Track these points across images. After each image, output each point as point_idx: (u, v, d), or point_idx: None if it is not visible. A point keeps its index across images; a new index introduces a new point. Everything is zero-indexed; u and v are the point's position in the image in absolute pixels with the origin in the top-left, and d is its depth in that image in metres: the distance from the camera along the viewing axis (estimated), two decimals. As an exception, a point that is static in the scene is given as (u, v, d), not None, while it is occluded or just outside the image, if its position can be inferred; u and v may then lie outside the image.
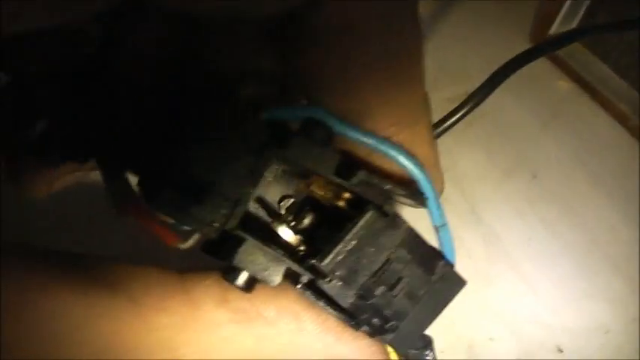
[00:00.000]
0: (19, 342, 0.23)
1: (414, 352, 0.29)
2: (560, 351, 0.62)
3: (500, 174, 0.74)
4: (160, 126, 0.27)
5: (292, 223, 0.28)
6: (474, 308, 0.63)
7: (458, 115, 0.51)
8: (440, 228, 0.29)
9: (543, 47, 0.57)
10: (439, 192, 0.29)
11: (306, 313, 0.28)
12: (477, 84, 0.46)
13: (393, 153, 0.27)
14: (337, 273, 0.27)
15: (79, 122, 0.28)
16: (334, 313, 0.28)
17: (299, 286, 0.28)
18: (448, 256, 0.29)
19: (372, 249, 0.27)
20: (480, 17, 0.84)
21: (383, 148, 0.27)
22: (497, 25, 0.84)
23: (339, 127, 0.27)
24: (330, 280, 0.27)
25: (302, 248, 0.28)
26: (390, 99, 0.27)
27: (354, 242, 0.27)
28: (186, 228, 0.28)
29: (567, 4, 0.78)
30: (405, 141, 0.28)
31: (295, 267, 0.27)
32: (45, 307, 0.24)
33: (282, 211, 0.29)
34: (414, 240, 0.28)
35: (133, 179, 0.29)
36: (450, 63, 0.79)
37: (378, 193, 0.27)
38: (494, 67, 0.45)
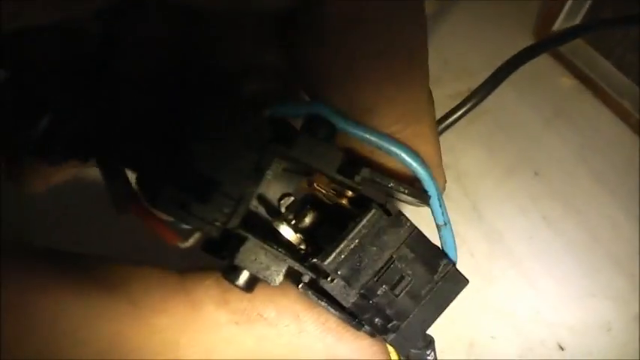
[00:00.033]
0: (18, 343, 0.23)
1: (415, 351, 0.29)
2: (562, 349, 0.62)
3: (503, 171, 0.73)
4: (161, 124, 0.27)
5: (293, 222, 0.28)
6: (475, 306, 0.63)
7: (460, 112, 0.51)
8: (442, 226, 0.29)
9: (546, 43, 0.56)
10: (441, 190, 0.29)
11: (307, 314, 0.28)
12: (480, 81, 0.46)
13: (396, 150, 0.27)
14: (339, 272, 0.26)
15: (81, 121, 0.28)
16: (336, 312, 0.28)
17: (300, 285, 0.28)
18: (450, 254, 0.29)
19: (375, 248, 0.27)
20: (483, 14, 0.84)
21: (386, 145, 0.27)
22: (500, 22, 0.83)
23: (342, 125, 0.27)
24: (332, 280, 0.26)
25: (303, 247, 0.28)
26: (394, 96, 0.27)
27: (356, 241, 0.26)
28: (187, 227, 0.27)
29: (570, 1, 0.78)
30: (408, 138, 0.27)
31: (297, 266, 0.27)
32: (45, 308, 0.24)
33: (283, 210, 0.28)
34: (417, 239, 0.28)
35: (131, 176, 0.29)
36: (452, 60, 0.78)
37: (381, 191, 0.27)
38: (497, 64, 0.45)
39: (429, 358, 0.29)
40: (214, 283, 0.28)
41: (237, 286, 0.27)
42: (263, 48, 0.30)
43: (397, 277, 0.27)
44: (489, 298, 0.64)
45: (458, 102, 0.45)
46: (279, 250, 0.27)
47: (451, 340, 0.61)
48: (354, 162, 0.27)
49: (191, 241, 0.29)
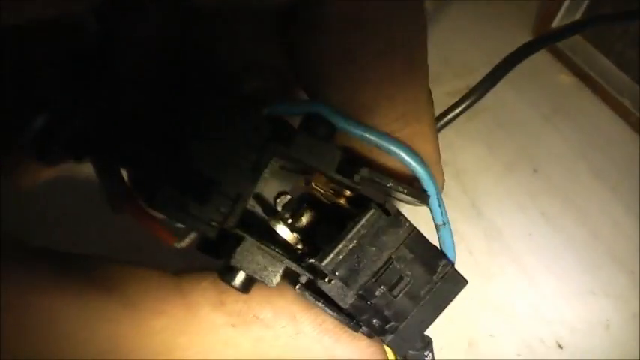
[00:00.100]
0: (17, 344, 0.23)
1: (413, 352, 0.29)
2: (560, 347, 0.62)
3: (502, 168, 0.73)
4: (159, 123, 0.27)
5: (289, 221, 0.28)
6: (474, 304, 0.63)
7: (459, 109, 0.51)
8: (441, 226, 0.29)
9: (544, 40, 0.56)
10: (440, 188, 0.29)
11: (304, 315, 0.28)
12: (479, 78, 0.46)
13: (396, 150, 0.27)
14: (337, 273, 0.26)
15: (78, 120, 0.27)
16: (333, 313, 0.27)
17: (298, 286, 0.27)
18: (449, 254, 0.28)
19: (374, 248, 0.26)
20: (483, 13, 0.84)
21: (386, 144, 0.27)
22: (499, 19, 0.83)
23: (341, 124, 0.27)
24: (330, 280, 0.26)
25: (300, 247, 0.28)
26: (394, 95, 0.27)
27: (355, 241, 0.26)
28: (183, 226, 0.27)
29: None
30: (407, 137, 0.27)
31: (294, 266, 0.27)
32: (43, 309, 0.24)
33: (279, 208, 0.28)
34: (416, 239, 0.27)
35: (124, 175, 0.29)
36: (452, 58, 0.78)
37: (380, 191, 0.27)
38: (497, 62, 0.45)
39: (426, 359, 0.29)
40: (211, 285, 0.27)
41: (233, 286, 0.26)
42: (263, 46, 0.30)
43: (396, 278, 0.27)
44: (488, 295, 0.64)
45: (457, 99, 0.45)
46: (276, 250, 0.27)
47: (450, 338, 0.61)
48: (353, 161, 0.27)
49: (187, 241, 0.28)
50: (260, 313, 0.27)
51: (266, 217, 0.28)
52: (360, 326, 0.28)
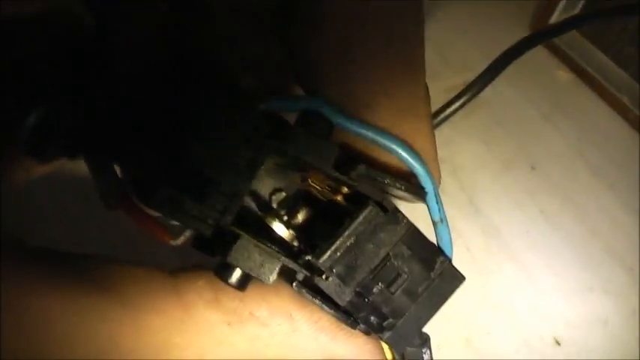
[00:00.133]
0: (14, 345, 0.23)
1: (410, 349, 0.29)
2: (558, 344, 0.62)
3: (500, 165, 0.73)
4: (155, 120, 0.26)
5: (285, 218, 0.28)
6: (472, 301, 0.63)
7: (456, 105, 0.51)
8: (439, 223, 0.28)
9: (541, 35, 0.56)
10: (437, 185, 0.29)
11: (300, 313, 0.28)
12: (477, 74, 0.46)
13: (393, 146, 0.27)
14: (335, 270, 0.26)
15: (73, 117, 0.27)
16: (330, 311, 0.27)
17: (294, 283, 0.27)
18: (446, 251, 0.28)
19: (371, 245, 0.26)
20: (481, 9, 0.83)
21: (383, 140, 0.27)
22: (497, 17, 0.83)
23: (339, 120, 0.26)
24: (327, 278, 0.26)
25: (296, 244, 0.28)
26: (391, 91, 0.27)
27: (352, 238, 0.26)
28: (178, 224, 0.27)
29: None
30: (404, 133, 0.27)
31: (291, 264, 0.26)
32: (38, 311, 0.23)
33: (274, 205, 0.28)
34: (414, 236, 0.27)
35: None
36: (450, 55, 0.78)
37: (377, 187, 0.27)
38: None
39: (424, 356, 0.29)
40: (206, 284, 0.27)
41: (229, 284, 0.26)
42: (261, 41, 0.29)
43: (393, 275, 0.27)
44: (486, 292, 0.64)
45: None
46: (273, 247, 0.26)
47: (447, 335, 0.61)
48: (350, 158, 0.27)
49: (182, 239, 0.28)
50: (256, 311, 0.27)
51: (261, 214, 0.28)
52: (358, 323, 0.27)
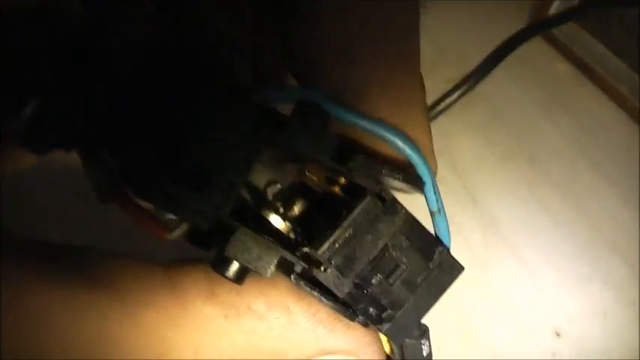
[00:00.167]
0: (9, 347, 0.23)
1: (409, 341, 0.28)
2: (558, 335, 0.62)
3: (498, 158, 0.73)
4: (150, 113, 0.26)
5: (281, 210, 0.27)
6: (471, 293, 0.63)
7: (453, 97, 0.51)
8: (436, 213, 0.28)
9: (539, 26, 0.56)
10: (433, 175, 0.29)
11: (297, 306, 0.28)
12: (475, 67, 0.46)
13: (389, 135, 0.26)
14: (333, 262, 0.26)
15: (69, 109, 0.27)
16: (329, 303, 0.27)
17: (293, 276, 0.27)
18: (445, 241, 0.28)
19: (370, 236, 0.26)
20: (479, 1, 0.83)
21: (380, 131, 0.26)
22: (495, 8, 0.82)
23: (334, 110, 0.26)
24: (326, 270, 0.26)
25: (293, 236, 0.27)
26: (386, 81, 0.26)
27: (351, 229, 0.26)
28: (173, 217, 0.27)
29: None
30: (400, 123, 0.27)
31: (289, 256, 0.26)
32: (28, 306, 0.23)
33: (270, 197, 0.28)
34: (412, 226, 0.27)
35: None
36: (447, 46, 0.78)
37: (375, 178, 0.27)
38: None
39: (423, 347, 0.29)
40: (202, 276, 0.27)
41: (227, 277, 0.26)
42: (254, 31, 0.29)
43: (392, 266, 0.27)
44: (485, 285, 0.64)
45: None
46: (271, 239, 0.26)
47: (446, 327, 0.61)
48: (347, 149, 0.27)
49: (178, 232, 0.28)
50: (253, 305, 0.27)
51: (257, 207, 0.28)
52: (357, 315, 0.27)
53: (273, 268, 0.26)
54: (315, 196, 0.28)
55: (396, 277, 0.27)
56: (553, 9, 0.79)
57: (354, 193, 0.27)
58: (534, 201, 0.70)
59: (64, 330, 0.24)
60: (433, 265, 0.27)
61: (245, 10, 0.29)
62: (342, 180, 0.27)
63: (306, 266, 0.26)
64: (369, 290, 0.26)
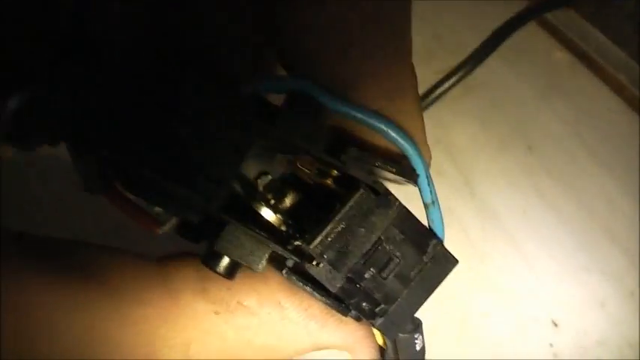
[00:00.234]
0: (9, 347, 0.22)
1: (403, 335, 0.28)
2: (556, 325, 0.62)
3: (496, 146, 0.73)
4: (138, 106, 0.26)
5: (272, 202, 0.27)
6: (468, 283, 0.62)
7: (447, 84, 0.50)
8: (430, 205, 0.28)
9: (532, 12, 0.55)
10: (427, 166, 0.28)
11: (289, 301, 0.27)
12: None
13: (382, 126, 0.26)
14: (326, 256, 0.25)
15: (56, 102, 0.26)
16: (322, 298, 0.27)
17: (284, 270, 0.27)
18: (439, 234, 0.28)
19: (363, 229, 0.26)
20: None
21: (372, 121, 0.26)
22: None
23: (326, 101, 0.26)
24: (318, 264, 0.25)
25: (284, 229, 0.27)
26: (377, 71, 0.26)
27: (343, 223, 0.25)
28: (162, 211, 0.27)
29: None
30: (392, 114, 0.26)
31: (280, 250, 0.26)
32: (28, 306, 0.23)
33: (260, 189, 0.27)
34: (406, 219, 0.27)
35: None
36: (444, 34, 0.77)
37: (368, 170, 0.26)
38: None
39: (416, 341, 0.28)
40: (193, 272, 0.27)
41: (217, 273, 0.26)
42: (240, 22, 0.29)
43: (385, 260, 0.26)
44: (482, 274, 0.64)
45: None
46: (262, 234, 0.26)
47: (443, 317, 0.60)
48: (340, 140, 0.26)
49: (168, 226, 0.28)
50: (244, 300, 0.27)
51: (248, 198, 0.27)
52: (349, 310, 0.27)
53: (264, 262, 0.26)
54: (307, 188, 0.28)
55: (389, 271, 0.26)
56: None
57: (347, 186, 0.26)
58: (532, 190, 0.70)
59: (52, 321, 0.24)
60: (427, 258, 0.27)
61: (245, 10, 0.28)
62: (334, 172, 0.27)
63: (298, 261, 0.26)
64: (362, 284, 0.26)
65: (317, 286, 0.26)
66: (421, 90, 0.54)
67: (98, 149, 0.27)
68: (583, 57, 0.79)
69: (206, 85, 0.25)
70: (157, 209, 0.27)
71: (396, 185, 0.28)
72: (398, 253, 0.26)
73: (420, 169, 0.27)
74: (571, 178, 0.70)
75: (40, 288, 0.24)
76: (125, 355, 0.25)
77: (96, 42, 0.26)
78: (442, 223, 0.28)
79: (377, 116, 0.26)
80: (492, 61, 0.69)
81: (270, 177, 0.27)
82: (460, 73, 0.44)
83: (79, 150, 0.27)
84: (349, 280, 0.26)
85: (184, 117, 0.25)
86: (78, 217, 0.56)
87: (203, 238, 0.27)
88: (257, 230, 0.26)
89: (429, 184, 0.27)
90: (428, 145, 0.29)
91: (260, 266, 0.26)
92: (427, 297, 0.27)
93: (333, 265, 0.25)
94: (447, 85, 0.43)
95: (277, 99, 0.27)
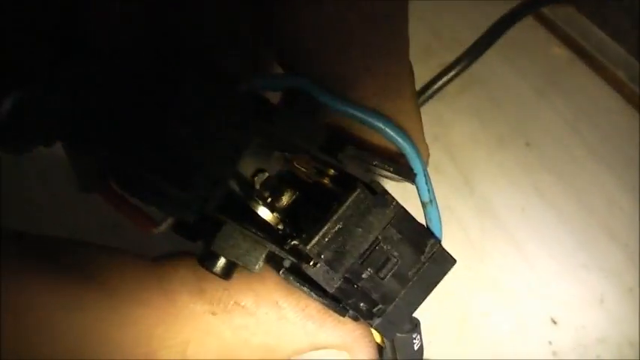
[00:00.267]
0: (9, 347, 0.22)
1: (401, 336, 0.28)
2: (555, 323, 0.62)
3: (494, 142, 0.72)
4: (134, 105, 0.26)
5: (269, 200, 0.27)
6: (466, 281, 0.62)
7: (444, 79, 0.50)
8: (428, 204, 0.28)
9: (529, 5, 0.55)
10: (425, 163, 0.28)
11: (286, 301, 0.27)
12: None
13: (380, 125, 0.26)
14: (323, 256, 0.25)
15: (50, 103, 0.26)
16: (319, 298, 0.27)
17: (282, 271, 0.27)
18: (436, 233, 0.28)
19: (360, 229, 0.26)
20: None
21: (370, 119, 0.26)
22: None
23: (325, 98, 0.26)
24: (315, 264, 0.25)
25: (281, 227, 0.27)
26: (374, 67, 0.26)
27: (341, 223, 0.25)
28: (158, 210, 0.26)
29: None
30: (390, 112, 0.26)
31: (277, 251, 0.26)
32: (18, 300, 0.23)
33: (257, 186, 0.27)
34: (403, 218, 0.26)
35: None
36: (442, 30, 0.77)
37: (365, 169, 0.26)
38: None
39: (415, 341, 0.28)
40: (190, 272, 0.27)
41: (214, 273, 0.26)
42: (237, 20, 0.29)
43: (383, 259, 0.26)
44: (480, 272, 0.64)
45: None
46: (258, 234, 0.26)
47: (442, 316, 0.60)
48: (337, 139, 0.26)
49: (164, 226, 0.28)
50: (241, 301, 0.27)
51: (244, 197, 0.27)
52: (347, 310, 0.27)
53: (261, 263, 0.26)
54: (305, 186, 0.28)
55: (387, 271, 0.26)
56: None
57: (344, 185, 0.26)
58: (531, 187, 0.70)
59: (49, 321, 0.23)
60: (425, 258, 0.27)
61: (245, 10, 0.28)
62: (332, 171, 0.27)
63: (295, 261, 0.26)
64: (360, 285, 0.26)
65: (314, 287, 0.26)
66: (418, 87, 0.54)
67: (97, 149, 0.26)
68: (582, 53, 0.79)
69: (206, 85, 0.25)
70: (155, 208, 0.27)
71: (394, 184, 0.28)
72: (395, 253, 0.26)
73: (417, 167, 0.27)
74: (570, 175, 0.70)
75: (40, 288, 0.24)
76: (125, 356, 0.25)
77: (96, 42, 0.26)
78: (440, 222, 0.28)
79: (375, 114, 0.26)
80: (490, 58, 0.68)
81: (267, 174, 0.27)
82: (456, 69, 0.44)
83: (77, 150, 0.27)
84: (347, 280, 0.26)
85: (184, 117, 0.25)
86: (77, 217, 0.56)
87: (199, 238, 0.27)
88: (254, 230, 0.26)
89: (426, 183, 0.27)
90: (426, 143, 0.29)
91: (257, 266, 0.26)
92: (425, 297, 0.27)
93: (331, 265, 0.25)
94: (444, 80, 0.43)
95: (275, 98, 0.27)
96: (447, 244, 0.28)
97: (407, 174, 0.27)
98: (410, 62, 0.27)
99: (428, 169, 0.28)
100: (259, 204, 0.26)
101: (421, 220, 0.27)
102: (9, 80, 0.26)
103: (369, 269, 0.26)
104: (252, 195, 0.27)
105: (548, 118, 0.74)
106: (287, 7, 0.25)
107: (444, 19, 0.78)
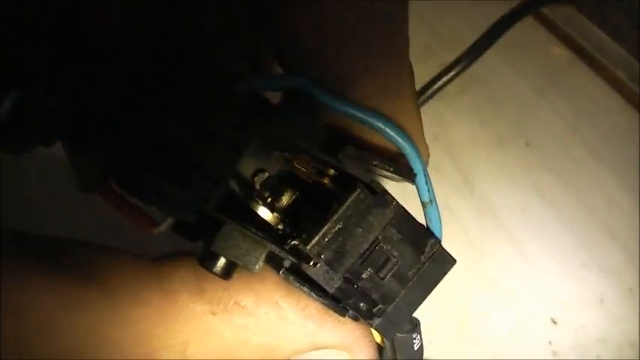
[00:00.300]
0: (8, 347, 0.22)
1: (401, 336, 0.28)
2: (555, 322, 0.62)
3: (494, 142, 0.72)
4: (134, 105, 0.26)
5: (269, 200, 0.27)
6: (466, 281, 0.62)
7: (444, 79, 0.50)
8: (428, 204, 0.28)
9: (529, 5, 0.55)
10: (425, 164, 0.28)
11: (286, 301, 0.27)
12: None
13: (379, 124, 0.26)
14: (323, 256, 0.25)
15: (50, 103, 0.26)
16: (319, 298, 0.27)
17: (282, 271, 0.27)
18: (436, 233, 0.28)
19: (360, 229, 0.26)
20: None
21: (370, 119, 0.26)
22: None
23: (324, 98, 0.26)
24: (315, 264, 0.25)
25: (281, 227, 0.27)
26: (374, 66, 0.26)
27: (341, 223, 0.25)
28: (158, 210, 0.26)
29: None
30: (390, 112, 0.26)
31: (277, 251, 0.26)
32: (18, 300, 0.23)
33: (257, 186, 0.27)
34: (403, 218, 0.26)
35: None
36: (442, 30, 0.77)
37: (365, 169, 0.26)
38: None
39: (415, 341, 0.28)
40: (190, 272, 0.27)
41: (214, 273, 0.26)
42: (237, 20, 0.29)
43: (383, 259, 0.26)
44: (480, 272, 0.64)
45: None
46: (258, 234, 0.26)
47: (442, 316, 0.60)
48: (337, 139, 0.26)
49: (164, 226, 0.28)
50: (241, 301, 0.27)
51: (244, 197, 0.27)
52: (347, 310, 0.27)
53: (261, 263, 0.26)
54: (305, 186, 0.28)
55: (387, 271, 0.26)
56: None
57: (344, 185, 0.26)
58: (531, 187, 0.70)
59: (50, 321, 0.23)
60: (425, 258, 0.27)
61: (244, 10, 0.28)
62: (332, 171, 0.27)
63: (295, 261, 0.26)
64: (360, 285, 0.26)
65: (314, 287, 0.26)
66: (418, 87, 0.54)
67: (97, 149, 0.26)
68: (582, 53, 0.79)
69: (206, 85, 0.25)
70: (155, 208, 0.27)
71: (394, 184, 0.28)
72: (395, 253, 0.26)
73: (417, 167, 0.27)
74: (570, 175, 0.70)
75: (40, 288, 0.24)
76: (125, 356, 0.25)
77: (96, 42, 0.26)
78: (440, 222, 0.28)
79: (375, 114, 0.26)
80: (490, 58, 0.68)
81: (267, 174, 0.27)
82: (456, 69, 0.44)
83: (77, 150, 0.27)
84: (346, 280, 0.26)
85: (184, 117, 0.25)
86: (77, 217, 0.56)
87: (199, 238, 0.27)
88: (254, 230, 0.26)
89: (426, 183, 0.27)
90: (426, 143, 0.29)
91: (257, 267, 0.26)
92: (425, 297, 0.27)
93: (331, 265, 0.25)
94: (444, 80, 0.43)
95: (275, 98, 0.27)
96: (447, 244, 0.28)
97: (407, 174, 0.27)
98: (410, 62, 0.27)
99: (428, 169, 0.28)
100: (259, 204, 0.26)
101: (421, 220, 0.27)
102: (9, 80, 0.26)
103: (369, 269, 0.26)
104: (252, 195, 0.27)
105: (548, 118, 0.74)
106: (287, 7, 0.25)
107: (444, 19, 0.77)
